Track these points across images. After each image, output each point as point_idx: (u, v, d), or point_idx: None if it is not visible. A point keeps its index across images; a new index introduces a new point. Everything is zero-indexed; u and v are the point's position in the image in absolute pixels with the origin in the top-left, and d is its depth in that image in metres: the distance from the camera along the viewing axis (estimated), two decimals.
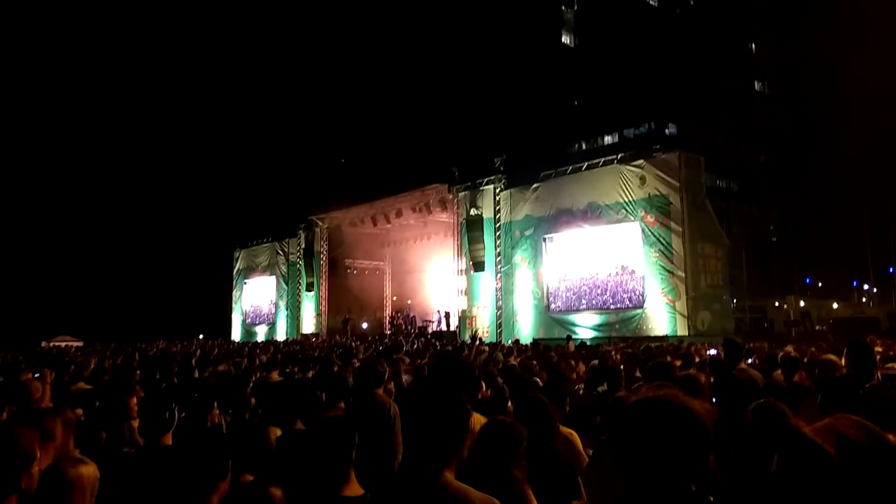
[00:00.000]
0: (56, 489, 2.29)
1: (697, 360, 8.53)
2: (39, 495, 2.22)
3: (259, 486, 2.97)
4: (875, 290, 44.97)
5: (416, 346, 19.02)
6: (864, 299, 44.61)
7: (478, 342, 18.11)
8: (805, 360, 7.74)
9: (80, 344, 27.19)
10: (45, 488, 2.25)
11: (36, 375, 6.56)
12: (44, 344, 27.48)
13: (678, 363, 7.41)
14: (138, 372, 8.45)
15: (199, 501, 2.25)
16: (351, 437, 2.68)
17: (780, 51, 56.23)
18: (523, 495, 2.86)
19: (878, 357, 5.89)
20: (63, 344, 26.27)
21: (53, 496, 2.28)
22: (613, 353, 10.29)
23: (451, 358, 4.04)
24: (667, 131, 50.01)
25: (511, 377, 5.83)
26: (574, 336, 20.01)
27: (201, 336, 30.93)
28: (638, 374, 5.87)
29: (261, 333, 36.50)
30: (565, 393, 4.79)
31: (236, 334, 38.47)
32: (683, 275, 19.92)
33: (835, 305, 39.55)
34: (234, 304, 39.90)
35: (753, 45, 58.55)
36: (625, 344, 13.93)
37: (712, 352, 9.90)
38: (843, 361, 5.76)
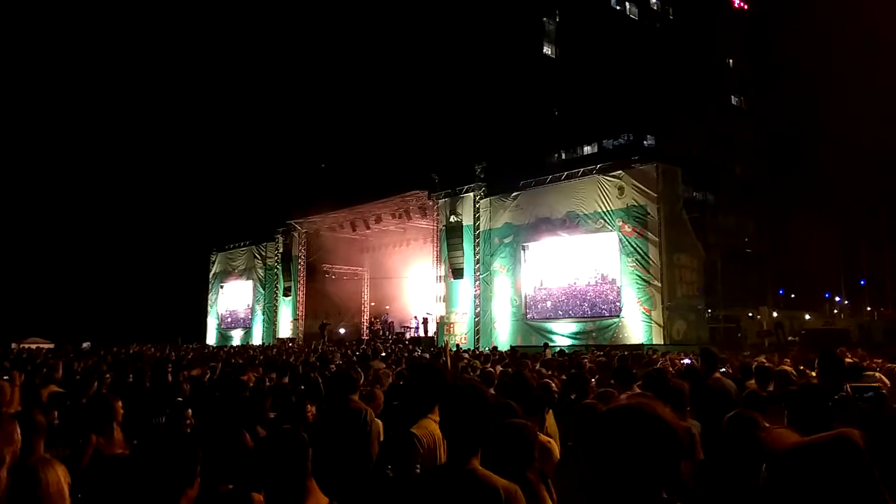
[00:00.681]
0: (29, 490, 2.25)
1: (672, 369, 8.61)
2: (11, 496, 2.17)
3: (240, 493, 2.93)
4: (846, 302, 45.78)
5: (393, 353, 18.97)
6: (835, 311, 45.40)
7: (457, 350, 18.11)
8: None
9: (51, 346, 26.69)
10: (17, 489, 2.21)
11: (5, 378, 6.44)
12: (14, 346, 26.92)
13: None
14: (108, 375, 8.34)
15: None
16: (303, 448, 2.59)
17: (757, 65, 57.21)
18: (538, 496, 2.88)
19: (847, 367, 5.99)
20: (34, 346, 25.77)
21: (25, 496, 2.24)
22: (588, 361, 10.35)
23: (425, 364, 4.06)
24: (645, 143, 50.57)
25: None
26: (551, 344, 20.12)
27: (178, 340, 30.50)
28: (611, 381, 5.92)
29: (236, 338, 36.16)
30: (546, 400, 4.81)
31: (211, 338, 38.07)
32: (660, 284, 20.15)
33: (807, 317, 40.17)
34: (209, 308, 39.49)
35: (731, 60, 59.51)
36: (601, 353, 14.01)
37: (686, 361, 10.00)
38: (810, 373, 5.85)
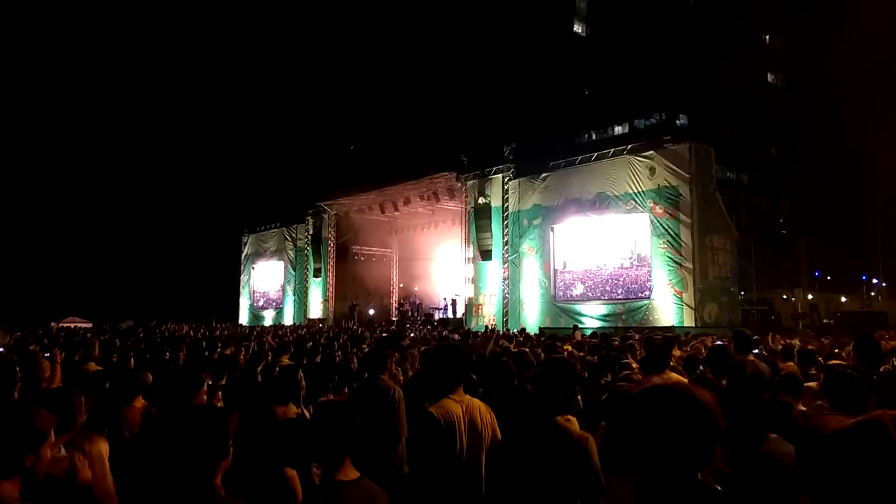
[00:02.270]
0: (73, 464, 2.33)
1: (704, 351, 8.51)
2: (56, 470, 2.23)
3: (274, 467, 2.99)
4: (884, 284, 44.73)
5: (422, 333, 19.09)
6: (872, 293, 44.39)
7: (491, 331, 18.15)
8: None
9: (88, 325, 27.39)
10: (63, 464, 2.27)
11: (46, 356, 6.62)
12: (53, 325, 27.68)
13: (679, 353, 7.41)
14: (148, 356, 8.53)
15: (201, 481, 2.25)
16: (349, 422, 2.68)
17: (794, 42, 55.61)
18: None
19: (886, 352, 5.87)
20: (72, 325, 26.47)
21: (71, 470, 2.31)
22: (633, 341, 10.28)
23: (451, 346, 4.13)
24: (678, 122, 49.64)
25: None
26: (581, 326, 20.04)
27: (213, 320, 31.07)
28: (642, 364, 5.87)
29: (268, 318, 36.68)
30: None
31: (244, 318, 38.69)
32: (691, 266, 19.88)
33: (843, 299, 39.37)
34: (241, 289, 40.10)
35: (767, 37, 57.95)
36: (638, 335, 13.88)
37: (719, 343, 9.86)
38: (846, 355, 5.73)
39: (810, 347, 7.52)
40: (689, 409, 1.77)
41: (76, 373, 5.91)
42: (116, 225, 42.02)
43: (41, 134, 41.99)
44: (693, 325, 19.05)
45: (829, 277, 46.41)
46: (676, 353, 7.52)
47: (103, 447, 2.48)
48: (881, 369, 4.39)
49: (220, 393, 5.39)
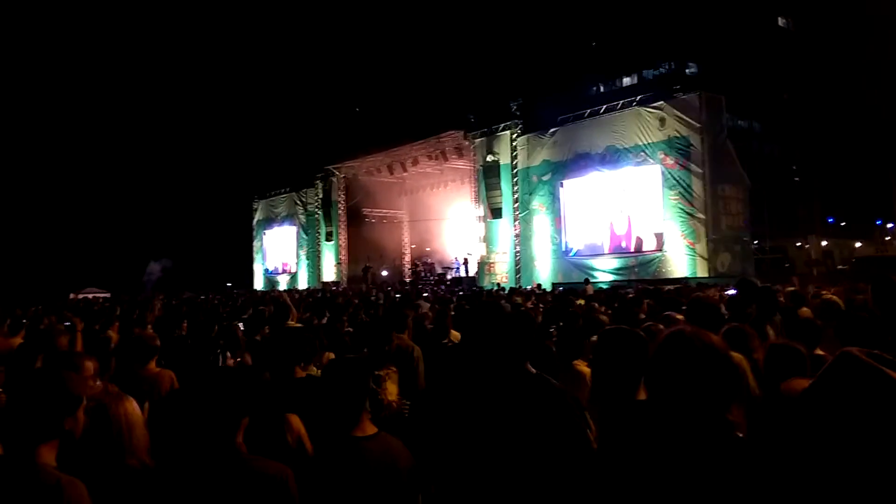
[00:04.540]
0: (101, 424, 2.39)
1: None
2: (85, 431, 2.30)
3: (277, 415, 3.06)
4: None
5: (437, 293, 19.20)
6: (887, 238, 43.97)
7: (498, 288, 18.23)
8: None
9: (107, 295, 27.74)
10: (90, 424, 2.33)
11: (66, 325, 6.73)
12: (72, 296, 28.06)
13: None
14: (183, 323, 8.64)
15: (225, 439, 2.31)
16: (362, 377, 2.71)
17: None
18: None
19: None
20: (91, 296, 26.81)
21: (98, 430, 2.38)
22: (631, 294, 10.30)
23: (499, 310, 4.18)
24: (687, 71, 48.64)
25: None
26: (593, 280, 20.07)
27: (229, 287, 31.36)
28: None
29: (282, 283, 36.99)
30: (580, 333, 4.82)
31: (259, 284, 39.03)
32: (704, 217, 19.77)
33: (857, 245, 39.04)
34: (255, 255, 40.37)
35: None
36: (650, 286, 13.88)
37: (732, 292, 9.86)
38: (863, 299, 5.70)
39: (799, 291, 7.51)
40: (718, 356, 1.80)
41: (95, 340, 6.01)
42: (131, 196, 42.25)
43: (57, 109, 41.98)
44: (706, 275, 19.03)
45: (842, 223, 45.96)
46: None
47: (134, 405, 2.55)
48: None
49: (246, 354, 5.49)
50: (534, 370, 2.77)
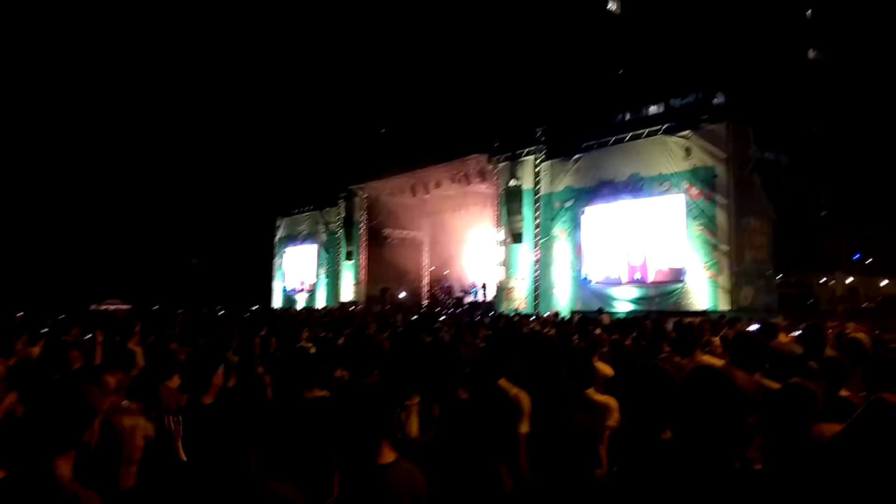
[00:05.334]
0: (108, 438, 2.40)
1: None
2: (101, 442, 2.31)
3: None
4: None
5: (454, 317, 19.16)
6: None
7: (517, 315, 18.14)
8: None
9: (128, 307, 28.05)
10: (99, 434, 2.34)
11: (88, 336, 6.80)
12: (93, 307, 28.41)
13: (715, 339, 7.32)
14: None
15: (241, 463, 2.29)
16: (383, 405, 2.69)
17: (837, 16, 53.86)
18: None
19: None
20: (112, 307, 27.13)
21: (106, 444, 2.38)
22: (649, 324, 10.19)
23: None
24: (715, 101, 48.38)
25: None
26: (610, 309, 19.90)
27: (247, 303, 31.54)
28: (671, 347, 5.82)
29: (301, 301, 37.16)
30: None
31: (278, 301, 39.25)
32: (727, 248, 19.54)
33: (883, 283, 38.31)
34: (275, 272, 40.64)
35: (809, 11, 56.20)
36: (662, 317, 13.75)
37: (755, 326, 9.71)
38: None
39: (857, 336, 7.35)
40: (724, 391, 1.75)
41: (116, 352, 6.06)
42: (155, 209, 42.80)
43: (78, 120, 42.86)
44: (728, 308, 18.77)
45: (869, 260, 45.18)
46: (715, 340, 7.39)
47: (139, 422, 2.56)
48: None
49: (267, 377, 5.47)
50: None
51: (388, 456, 2.63)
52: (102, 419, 2.45)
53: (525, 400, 3.72)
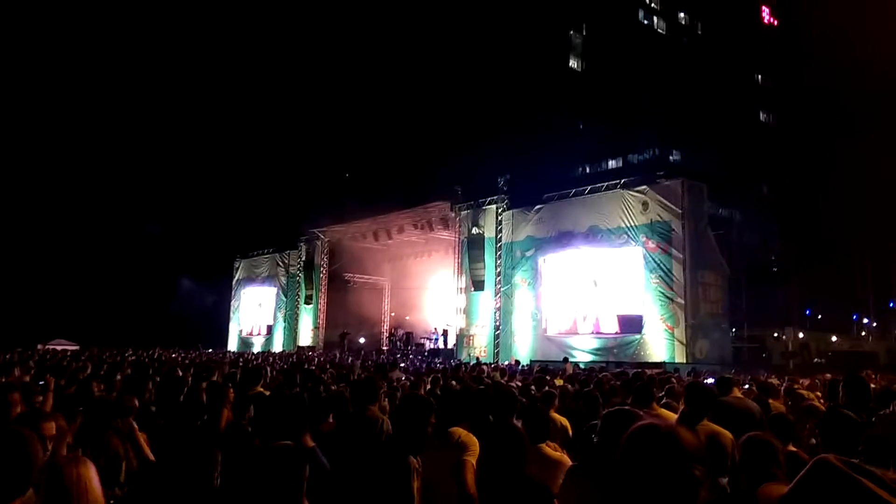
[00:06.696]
0: (56, 487, 2.28)
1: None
2: (40, 494, 2.21)
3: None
4: (874, 324, 44.84)
5: (414, 364, 18.97)
6: (863, 333, 44.48)
7: (476, 363, 18.05)
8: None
9: (75, 348, 27.08)
10: (45, 486, 2.24)
11: (40, 383, 6.52)
12: (39, 347, 27.35)
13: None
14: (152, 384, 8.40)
15: None
16: (297, 469, 2.54)
17: (786, 82, 56.63)
18: None
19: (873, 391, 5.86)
20: (59, 347, 26.16)
21: (53, 494, 2.27)
22: (608, 379, 10.23)
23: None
24: (671, 158, 50.16)
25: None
26: (572, 360, 19.95)
27: (199, 346, 30.74)
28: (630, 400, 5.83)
29: (257, 344, 36.41)
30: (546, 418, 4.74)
31: (233, 344, 38.36)
32: (683, 302, 19.91)
33: (834, 338, 39.42)
34: (231, 314, 39.82)
35: (759, 76, 58.96)
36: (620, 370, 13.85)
37: (710, 380, 9.84)
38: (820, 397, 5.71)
39: (796, 387, 7.51)
40: (672, 446, 1.75)
41: (67, 399, 5.83)
42: (105, 247, 41.80)
43: (28, 153, 42.03)
44: (684, 360, 19.02)
45: (819, 316, 46.53)
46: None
47: (84, 470, 2.45)
48: (882, 412, 4.38)
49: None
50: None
51: None
52: (49, 467, 2.34)
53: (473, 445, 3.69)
